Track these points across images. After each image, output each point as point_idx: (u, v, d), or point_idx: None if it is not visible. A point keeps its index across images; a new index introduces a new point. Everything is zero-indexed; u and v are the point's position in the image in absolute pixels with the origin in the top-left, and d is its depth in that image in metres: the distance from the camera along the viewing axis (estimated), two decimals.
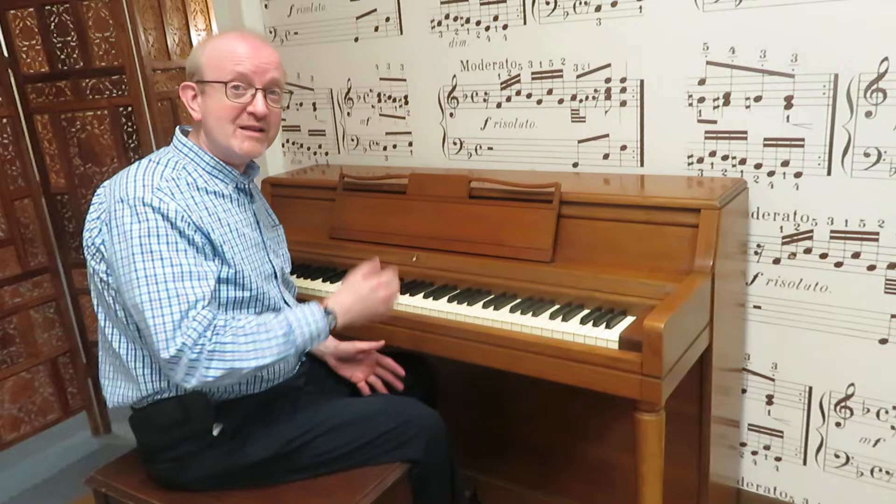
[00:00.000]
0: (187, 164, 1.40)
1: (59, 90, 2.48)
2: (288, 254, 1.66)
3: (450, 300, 1.65)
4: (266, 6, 2.50)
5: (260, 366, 1.27)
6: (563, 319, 1.48)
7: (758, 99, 1.68)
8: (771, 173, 1.71)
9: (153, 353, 1.27)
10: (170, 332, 1.22)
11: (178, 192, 1.32)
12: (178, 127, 1.47)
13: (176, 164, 1.39)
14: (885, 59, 1.51)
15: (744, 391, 1.89)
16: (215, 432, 1.36)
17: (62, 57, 2.45)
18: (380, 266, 1.48)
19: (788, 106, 1.64)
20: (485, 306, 1.59)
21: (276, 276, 1.52)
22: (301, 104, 2.54)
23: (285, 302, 1.52)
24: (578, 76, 1.91)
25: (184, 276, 1.25)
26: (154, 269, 1.24)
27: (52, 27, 2.43)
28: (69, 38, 2.43)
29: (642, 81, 1.82)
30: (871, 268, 1.63)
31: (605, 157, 1.94)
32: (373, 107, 2.36)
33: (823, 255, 1.69)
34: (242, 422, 1.40)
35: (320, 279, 1.88)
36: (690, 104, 1.77)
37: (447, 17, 2.10)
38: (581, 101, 1.93)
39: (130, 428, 1.45)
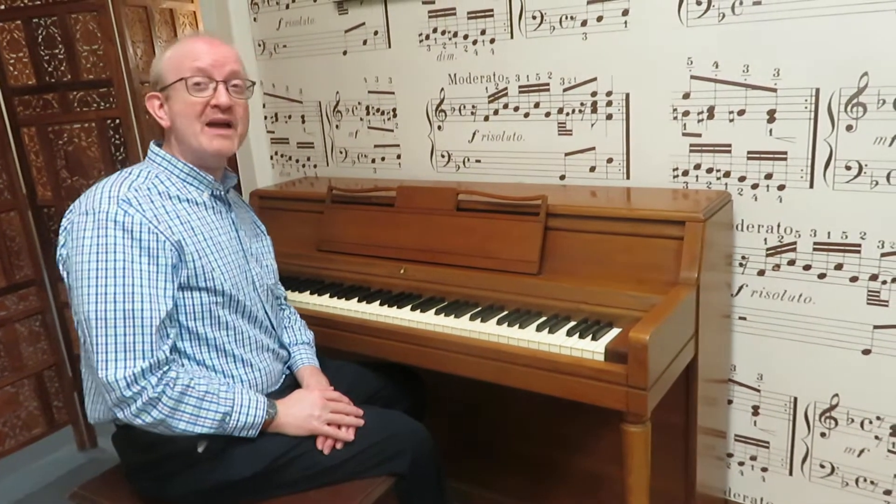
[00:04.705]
0: (160, 172, 1.42)
1: (47, 102, 2.48)
2: (274, 265, 1.65)
3: (437, 312, 1.65)
4: (255, 19, 2.51)
5: (186, 432, 1.29)
6: (550, 331, 1.49)
7: (741, 113, 1.70)
8: (755, 186, 1.73)
9: (94, 370, 1.26)
10: (111, 353, 1.23)
11: (147, 201, 1.33)
12: (152, 141, 1.48)
13: (148, 175, 1.40)
14: (865, 73, 1.53)
15: (730, 402, 1.90)
16: (200, 449, 1.35)
17: (50, 69, 2.45)
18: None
19: (771, 120, 1.67)
20: (472, 318, 1.60)
21: (256, 285, 1.51)
22: (290, 117, 2.54)
23: (265, 311, 1.52)
24: (565, 90, 1.93)
25: (134, 297, 1.25)
26: (105, 286, 1.24)
27: (40, 40, 2.43)
28: (57, 51, 2.43)
29: (628, 95, 1.84)
30: (854, 279, 1.65)
31: (592, 169, 1.95)
32: (361, 119, 2.37)
33: (807, 267, 1.71)
34: (228, 438, 1.37)
35: (308, 291, 1.88)
36: (675, 118, 1.79)
37: (435, 30, 2.11)
38: (568, 114, 1.95)
39: (113, 446, 1.44)
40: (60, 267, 1.35)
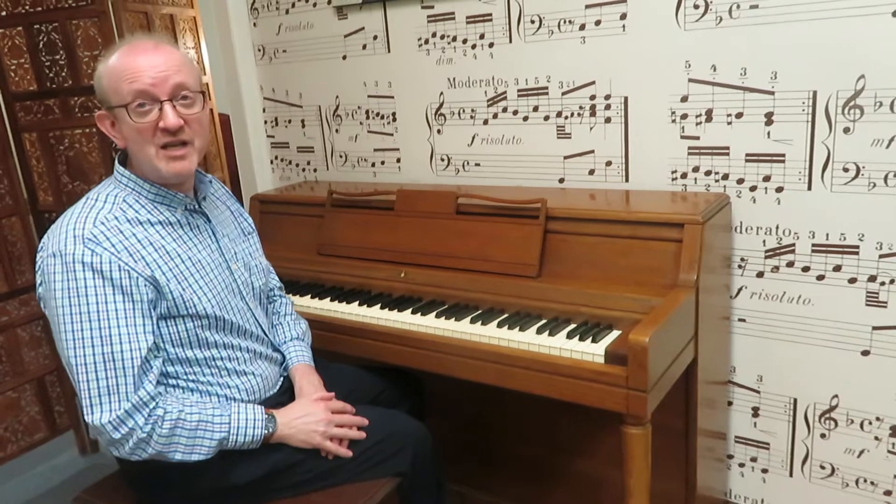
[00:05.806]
0: (128, 195, 1.33)
1: (48, 108, 2.49)
2: (263, 261, 1.61)
3: (438, 316, 1.66)
4: (255, 24, 2.53)
5: (183, 461, 1.28)
6: (550, 334, 1.50)
7: (739, 115, 1.71)
8: (753, 188, 1.73)
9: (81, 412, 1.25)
10: (95, 398, 1.22)
11: (116, 233, 1.27)
12: (116, 157, 1.39)
13: (116, 199, 1.32)
14: (862, 76, 1.54)
15: (730, 403, 1.91)
16: None
17: (51, 75, 2.46)
18: (333, 396, 1.49)
19: (769, 122, 1.67)
20: (472, 321, 1.60)
21: (243, 294, 1.47)
22: (290, 121, 2.55)
23: (256, 319, 1.49)
24: (564, 93, 1.94)
25: (112, 339, 1.22)
26: (82, 331, 1.22)
27: (41, 46, 2.44)
28: (58, 57, 2.44)
29: (626, 98, 1.85)
30: (853, 281, 1.66)
31: (591, 172, 1.96)
32: (361, 123, 2.38)
33: (806, 269, 1.71)
34: None
35: (308, 295, 1.89)
36: (673, 120, 1.79)
37: (434, 35, 2.12)
38: (566, 117, 1.95)
39: (112, 454, 1.43)
40: (42, 305, 1.32)
